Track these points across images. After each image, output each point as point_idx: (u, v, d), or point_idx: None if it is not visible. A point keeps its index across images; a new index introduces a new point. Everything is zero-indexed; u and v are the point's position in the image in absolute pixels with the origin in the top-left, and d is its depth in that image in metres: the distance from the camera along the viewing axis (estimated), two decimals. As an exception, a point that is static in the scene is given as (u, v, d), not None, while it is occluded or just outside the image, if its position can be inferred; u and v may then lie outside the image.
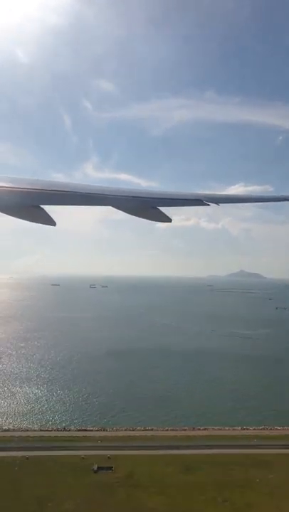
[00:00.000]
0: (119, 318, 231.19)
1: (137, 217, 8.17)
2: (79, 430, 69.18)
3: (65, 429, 70.44)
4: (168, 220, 8.12)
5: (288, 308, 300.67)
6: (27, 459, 55.48)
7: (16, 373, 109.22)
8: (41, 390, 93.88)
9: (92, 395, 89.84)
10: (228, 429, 69.42)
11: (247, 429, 69.16)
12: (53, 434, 67.21)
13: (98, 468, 53.25)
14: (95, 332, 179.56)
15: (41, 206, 6.96)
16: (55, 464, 54.20)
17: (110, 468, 53.35)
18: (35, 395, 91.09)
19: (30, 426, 72.78)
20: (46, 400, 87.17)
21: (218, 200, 9.39)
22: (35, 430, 69.47)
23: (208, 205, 8.79)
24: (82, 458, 56.31)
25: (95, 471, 52.76)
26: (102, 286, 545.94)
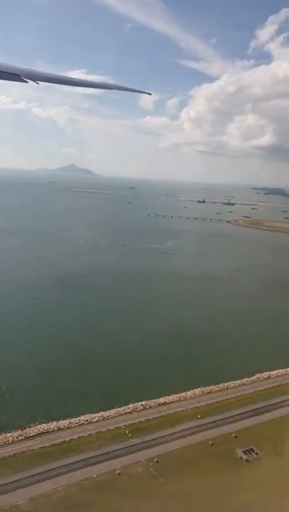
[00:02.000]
0: None
1: None
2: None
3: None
4: None
5: (159, 215, 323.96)
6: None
7: None
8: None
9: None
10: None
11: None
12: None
13: (243, 453, 49.07)
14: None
15: None
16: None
17: (252, 450, 50.03)
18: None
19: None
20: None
21: (40, 78, 8.62)
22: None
23: (27, 82, 8.06)
24: (211, 444, 50.48)
25: (247, 460, 48.52)
26: None
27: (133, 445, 49.65)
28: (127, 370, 68.39)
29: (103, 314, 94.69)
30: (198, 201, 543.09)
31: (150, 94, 12.79)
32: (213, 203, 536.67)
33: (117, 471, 44.95)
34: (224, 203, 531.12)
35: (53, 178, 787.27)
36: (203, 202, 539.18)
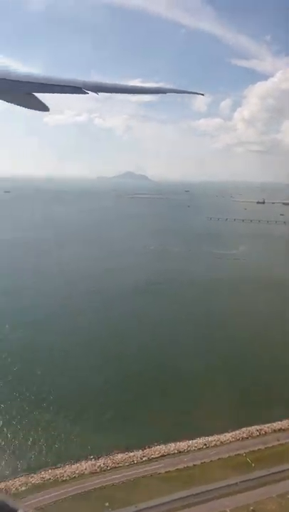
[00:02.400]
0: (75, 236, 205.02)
1: (16, 108, 7.94)
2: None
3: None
4: (45, 108, 7.91)
5: (221, 219, 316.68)
6: None
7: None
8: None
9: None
10: None
11: None
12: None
13: None
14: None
15: None
16: None
17: None
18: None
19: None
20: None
21: (99, 88, 9.06)
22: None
23: (88, 93, 8.50)
24: None
25: None
26: (5, 192, 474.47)
27: (260, 477, 46.79)
28: (230, 388, 65.53)
29: (203, 325, 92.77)
30: (258, 202, 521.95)
31: (203, 94, 12.85)
32: (273, 203, 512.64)
33: (251, 507, 42.41)
34: (284, 203, 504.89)
35: (112, 186, 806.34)
36: (263, 203, 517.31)
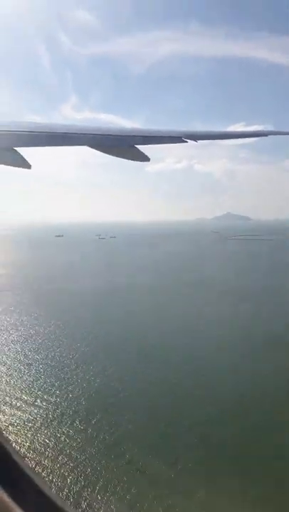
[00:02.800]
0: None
1: (120, 161, 8.25)
2: None
3: None
4: (146, 159, 8.11)
5: None
6: None
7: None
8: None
9: None
10: None
11: None
12: None
13: None
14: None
15: (15, 149, 6.89)
16: None
17: None
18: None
19: None
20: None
21: (197, 137, 9.19)
22: None
23: (187, 141, 8.69)
24: None
25: None
26: (111, 237, 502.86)
27: None
28: None
29: None
30: None
31: None
32: None
33: None
34: None
35: (212, 227, 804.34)
36: None
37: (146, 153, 8.47)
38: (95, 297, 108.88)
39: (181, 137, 8.89)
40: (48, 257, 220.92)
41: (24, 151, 7.08)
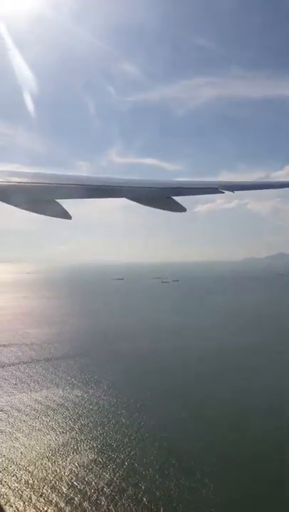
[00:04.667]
0: None
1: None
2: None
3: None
4: (182, 209, 8.21)
5: None
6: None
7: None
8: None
9: None
10: None
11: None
12: None
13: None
14: None
15: (56, 200, 7.09)
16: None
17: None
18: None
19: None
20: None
21: (234, 187, 9.40)
22: None
23: (223, 192, 8.81)
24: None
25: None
26: (174, 281, 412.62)
27: None
28: None
29: None
30: None
31: None
32: None
33: None
34: None
35: (264, 267, 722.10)
36: None
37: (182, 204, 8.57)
38: (202, 365, 65.40)
39: (217, 188, 8.97)
40: (117, 305, 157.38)
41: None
